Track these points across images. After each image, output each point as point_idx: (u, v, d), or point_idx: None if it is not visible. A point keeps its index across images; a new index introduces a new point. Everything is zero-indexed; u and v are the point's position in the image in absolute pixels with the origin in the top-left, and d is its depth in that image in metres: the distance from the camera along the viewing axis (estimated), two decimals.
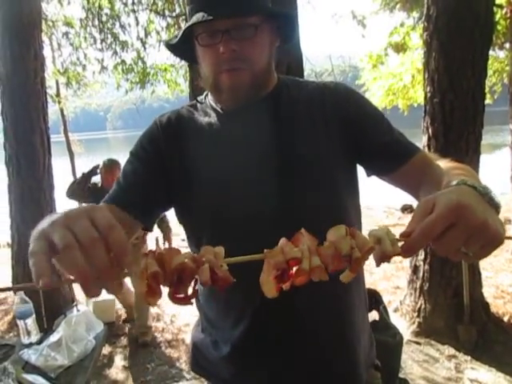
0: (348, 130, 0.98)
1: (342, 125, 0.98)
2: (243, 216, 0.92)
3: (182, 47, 1.00)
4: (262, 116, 0.99)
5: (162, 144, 1.00)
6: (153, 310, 4.01)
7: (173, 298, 0.54)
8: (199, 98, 1.09)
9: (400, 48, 6.91)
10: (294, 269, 0.59)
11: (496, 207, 0.62)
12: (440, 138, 3.06)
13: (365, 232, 0.66)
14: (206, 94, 1.08)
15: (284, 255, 0.58)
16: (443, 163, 0.93)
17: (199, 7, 0.90)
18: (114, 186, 1.00)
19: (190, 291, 0.56)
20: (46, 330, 1.96)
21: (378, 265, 0.61)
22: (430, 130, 3.13)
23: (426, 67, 3.17)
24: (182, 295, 0.54)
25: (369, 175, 1.04)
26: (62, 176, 5.95)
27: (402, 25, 6.88)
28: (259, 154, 0.95)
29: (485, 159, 3.49)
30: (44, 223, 0.56)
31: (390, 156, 0.98)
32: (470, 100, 2.97)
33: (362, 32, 7.14)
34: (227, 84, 0.92)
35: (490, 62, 3.08)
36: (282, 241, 0.61)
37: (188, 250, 0.92)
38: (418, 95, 7.87)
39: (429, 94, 3.13)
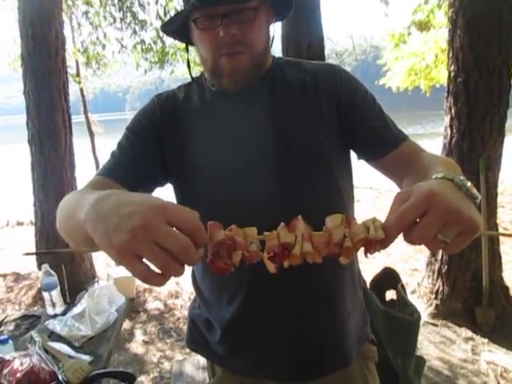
0: (340, 114, 0.98)
1: (334, 108, 0.98)
2: (239, 198, 0.92)
3: (177, 28, 0.99)
4: (256, 97, 0.98)
5: (160, 121, 0.99)
6: (172, 288, 4.09)
7: (212, 265, 0.60)
8: (195, 78, 1.07)
9: (424, 26, 6.69)
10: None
11: (473, 198, 0.63)
12: (463, 118, 2.99)
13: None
14: (202, 74, 1.07)
15: (278, 239, 0.62)
16: (427, 155, 0.92)
17: None
18: (110, 160, 0.97)
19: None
20: (68, 303, 2.02)
21: (365, 255, 0.63)
22: (452, 111, 3.06)
23: (450, 45, 3.08)
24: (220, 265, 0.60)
25: (359, 159, 1.05)
26: (83, 155, 6.04)
27: (426, 2, 6.64)
28: (253, 137, 0.95)
29: (510, 141, 3.41)
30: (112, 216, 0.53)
31: (378, 142, 0.98)
32: (495, 79, 2.88)
33: (384, 10, 6.95)
34: (227, 68, 0.91)
35: None
36: (280, 226, 0.65)
37: None
38: (441, 75, 7.66)
39: (452, 73, 3.04)
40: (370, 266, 4.24)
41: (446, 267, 3.21)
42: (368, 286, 1.40)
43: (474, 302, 3.14)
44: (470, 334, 3.03)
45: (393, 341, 1.26)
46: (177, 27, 0.98)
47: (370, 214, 0.66)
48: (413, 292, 3.50)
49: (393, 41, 7.33)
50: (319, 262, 0.62)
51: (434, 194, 0.56)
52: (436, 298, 3.28)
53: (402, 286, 1.47)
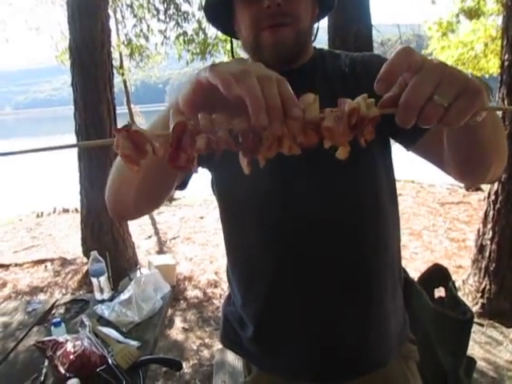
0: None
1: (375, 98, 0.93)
2: (271, 196, 0.91)
3: (220, 14, 0.96)
4: (296, 88, 0.94)
5: None
6: (211, 277, 4.15)
7: (171, 161, 0.49)
8: None
9: (473, 14, 6.40)
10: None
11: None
12: None
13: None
14: None
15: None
16: None
17: None
18: None
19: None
20: (112, 289, 2.08)
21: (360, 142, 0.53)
22: (505, 102, 2.91)
23: (504, 33, 2.93)
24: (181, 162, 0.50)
25: (408, 149, 0.94)
26: None
27: None
28: None
29: None
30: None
31: None
32: None
33: None
34: (270, 41, 0.87)
35: None
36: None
37: None
38: (491, 65, 7.33)
39: (506, 63, 2.89)
40: (412, 263, 4.15)
41: (493, 265, 3.09)
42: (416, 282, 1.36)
43: None
44: None
45: (443, 340, 1.22)
46: (220, 10, 0.95)
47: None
48: (457, 290, 3.39)
49: (440, 30, 7.05)
50: (297, 152, 0.52)
51: (427, 58, 0.49)
52: (482, 297, 3.16)
53: (453, 283, 1.43)
